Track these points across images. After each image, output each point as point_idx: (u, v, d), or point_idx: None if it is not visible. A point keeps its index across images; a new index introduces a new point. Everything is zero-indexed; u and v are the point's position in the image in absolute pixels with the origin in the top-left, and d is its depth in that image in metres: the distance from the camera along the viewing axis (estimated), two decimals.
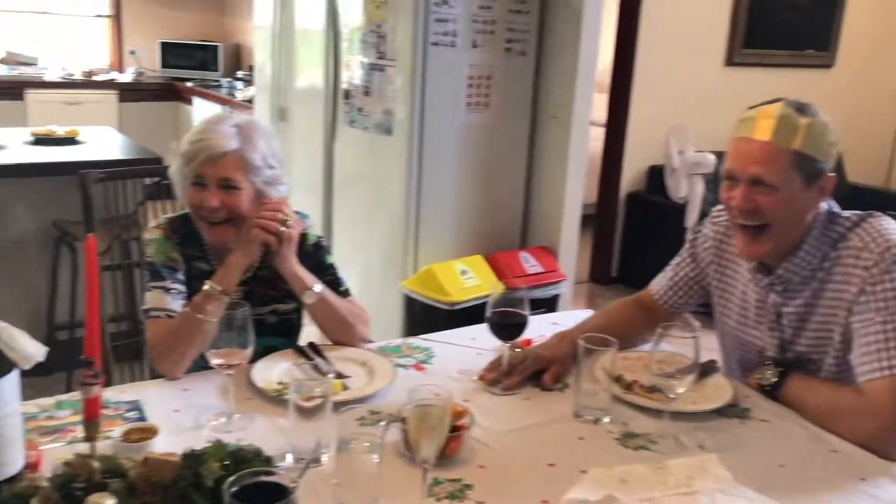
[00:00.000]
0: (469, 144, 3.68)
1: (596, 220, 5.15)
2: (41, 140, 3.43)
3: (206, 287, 1.65)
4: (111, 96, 6.25)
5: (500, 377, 1.64)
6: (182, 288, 1.72)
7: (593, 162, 5.19)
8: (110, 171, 2.17)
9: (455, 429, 1.35)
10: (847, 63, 5.52)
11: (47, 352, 1.11)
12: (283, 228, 1.67)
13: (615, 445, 1.44)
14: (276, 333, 1.84)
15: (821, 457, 1.44)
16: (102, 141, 3.53)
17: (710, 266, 1.82)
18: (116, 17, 6.66)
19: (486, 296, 3.42)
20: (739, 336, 1.77)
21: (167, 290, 1.69)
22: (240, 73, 6.33)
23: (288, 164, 4.33)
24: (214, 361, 1.41)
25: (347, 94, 3.85)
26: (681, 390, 1.45)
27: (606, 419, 1.52)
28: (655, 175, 4.86)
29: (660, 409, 1.50)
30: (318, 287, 1.72)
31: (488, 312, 1.61)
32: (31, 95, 5.94)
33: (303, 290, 1.71)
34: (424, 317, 3.45)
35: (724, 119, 2.24)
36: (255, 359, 1.63)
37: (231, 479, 1.06)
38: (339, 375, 1.63)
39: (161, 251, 1.74)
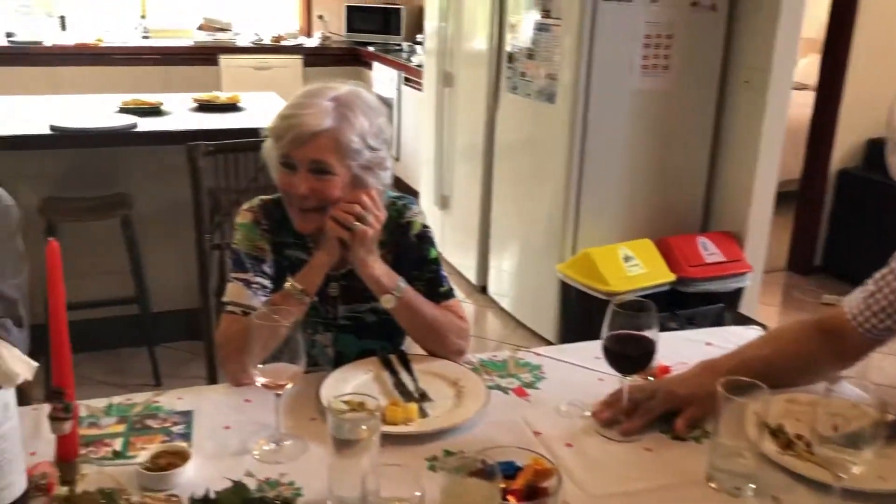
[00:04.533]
0: (643, 113, 3.26)
1: (799, 200, 4.49)
2: (204, 106, 3.44)
3: (286, 285, 1.46)
4: (297, 61, 6.33)
5: (618, 416, 1.31)
6: (266, 282, 1.53)
7: (798, 132, 4.52)
8: (221, 143, 2.04)
9: (535, 493, 1.05)
10: None
11: (35, 369, 0.95)
12: (357, 224, 1.42)
13: None
14: (376, 336, 1.62)
15: None
16: (262, 108, 3.49)
17: None
18: None
19: (654, 286, 3.08)
20: None
21: (248, 283, 1.51)
22: (419, 37, 6.18)
23: (452, 132, 4.16)
24: (259, 381, 1.20)
25: (511, 58, 3.54)
26: (856, 470, 1.05)
27: (750, 490, 1.15)
28: (875, 149, 4.13)
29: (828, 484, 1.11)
30: (401, 289, 1.47)
31: (603, 333, 1.28)
32: (225, 60, 6.13)
33: (381, 293, 1.47)
34: (581, 306, 3.13)
35: None
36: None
37: None
38: (423, 396, 1.37)
39: (248, 239, 1.56)
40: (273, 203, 1.60)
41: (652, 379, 1.43)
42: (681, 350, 1.55)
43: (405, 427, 1.26)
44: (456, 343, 1.51)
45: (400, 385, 1.41)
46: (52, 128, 2.85)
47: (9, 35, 5.62)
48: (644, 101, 3.24)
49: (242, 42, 6.31)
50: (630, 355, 1.27)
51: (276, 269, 1.55)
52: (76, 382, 2.97)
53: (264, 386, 1.20)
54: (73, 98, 3.62)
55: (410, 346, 1.61)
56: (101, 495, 0.99)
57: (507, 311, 3.79)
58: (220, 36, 6.33)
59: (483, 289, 4.03)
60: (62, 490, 0.99)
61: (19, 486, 1.01)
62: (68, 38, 5.77)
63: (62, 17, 5.95)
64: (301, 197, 1.47)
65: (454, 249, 4.27)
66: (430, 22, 4.39)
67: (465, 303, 3.92)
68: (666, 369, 1.47)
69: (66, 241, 3.06)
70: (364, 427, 1.06)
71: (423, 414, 1.31)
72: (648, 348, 1.26)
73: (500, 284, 3.87)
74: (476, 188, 3.95)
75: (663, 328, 1.32)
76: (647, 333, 1.28)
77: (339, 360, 1.56)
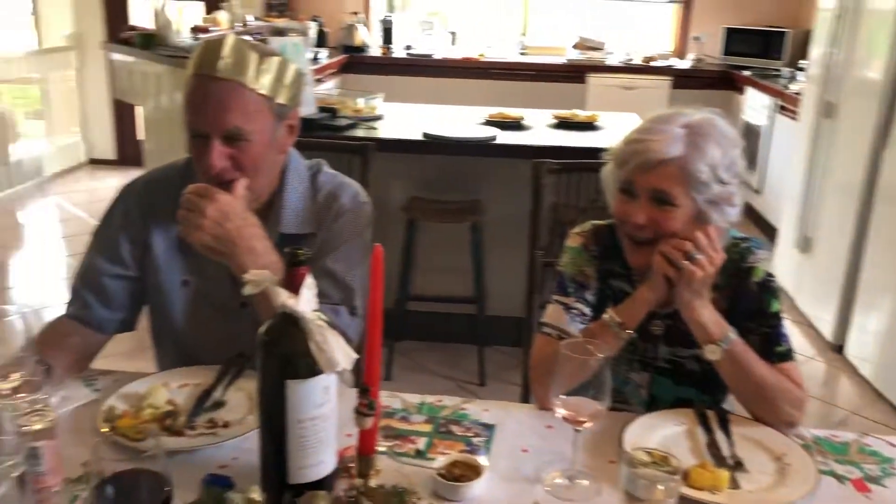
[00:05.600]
0: None
1: None
2: (562, 123, 3.51)
3: (605, 316, 1.40)
4: (665, 82, 6.20)
5: None
6: (586, 309, 1.49)
7: None
8: (566, 162, 2.04)
9: None
10: None
11: (355, 360, 1.01)
12: (685, 263, 1.31)
13: None
14: (697, 385, 1.49)
15: None
16: (619, 128, 3.45)
17: None
18: (686, 3, 6.57)
19: None
20: None
21: (568, 307, 1.48)
22: (802, 63, 5.67)
23: (826, 167, 3.75)
24: (559, 412, 1.16)
25: None
26: None
27: None
28: None
29: None
30: (729, 341, 1.32)
31: None
32: (592, 79, 6.23)
33: (705, 342, 1.34)
34: None
35: None
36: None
37: None
38: (738, 465, 1.23)
39: (574, 263, 1.53)
40: (606, 229, 1.55)
41: None
42: None
43: (710, 495, 1.13)
44: (788, 413, 1.33)
45: (713, 446, 1.28)
46: (424, 135, 3.12)
47: (407, 48, 6.32)
48: None
49: (612, 61, 6.35)
50: None
51: (598, 298, 1.50)
52: (411, 367, 3.23)
53: (564, 419, 1.17)
54: (450, 108, 3.92)
55: (733, 405, 1.46)
56: (392, 493, 1.03)
57: (865, 379, 3.31)
58: (592, 55, 6.45)
59: (839, 348, 3.56)
60: (358, 480, 1.05)
61: (329, 465, 1.09)
62: (456, 53, 6.32)
63: (453, 33, 6.53)
64: (636, 226, 1.40)
65: (810, 298, 3.84)
66: (818, 47, 4.00)
67: (815, 361, 3.50)
68: None
69: (422, 238, 3.34)
70: (661, 487, 0.98)
71: (734, 485, 1.17)
72: None
73: (862, 346, 3.39)
74: (847, 232, 3.50)
75: None
76: None
77: (651, 404, 1.47)
